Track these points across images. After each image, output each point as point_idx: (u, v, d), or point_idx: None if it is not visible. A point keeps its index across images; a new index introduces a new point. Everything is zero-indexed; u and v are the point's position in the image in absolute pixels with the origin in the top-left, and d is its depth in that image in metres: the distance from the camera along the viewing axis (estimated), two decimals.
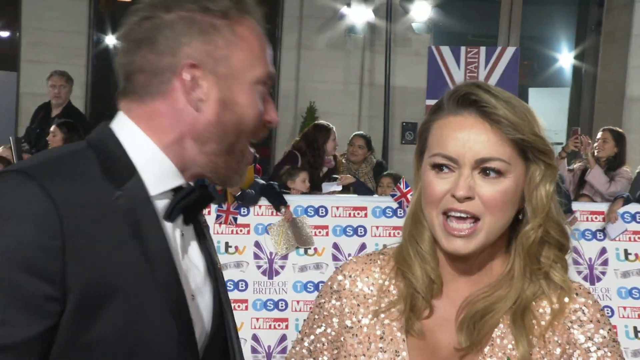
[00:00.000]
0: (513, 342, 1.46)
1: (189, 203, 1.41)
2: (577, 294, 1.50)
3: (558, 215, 1.49)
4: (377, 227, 6.08)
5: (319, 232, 6.14)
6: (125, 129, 1.41)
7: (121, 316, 1.28)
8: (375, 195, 6.44)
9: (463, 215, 1.43)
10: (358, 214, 6.19)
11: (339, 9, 9.48)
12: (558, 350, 1.46)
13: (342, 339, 1.56)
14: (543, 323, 1.48)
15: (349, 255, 6.05)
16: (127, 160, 1.38)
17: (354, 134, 7.93)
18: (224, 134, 1.39)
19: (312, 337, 1.61)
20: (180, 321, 1.35)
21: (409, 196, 5.73)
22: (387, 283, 1.56)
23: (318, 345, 1.60)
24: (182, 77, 1.37)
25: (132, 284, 1.29)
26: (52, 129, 6.87)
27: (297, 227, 6.12)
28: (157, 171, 1.39)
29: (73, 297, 1.25)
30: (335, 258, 6.04)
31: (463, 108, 1.44)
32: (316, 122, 7.86)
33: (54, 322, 1.25)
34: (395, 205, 6.06)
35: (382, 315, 1.53)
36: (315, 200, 6.26)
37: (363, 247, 6.04)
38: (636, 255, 6.08)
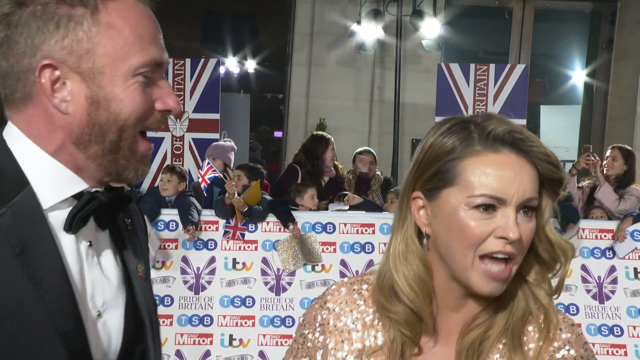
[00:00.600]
0: None
1: (90, 211, 1.31)
2: (561, 329, 1.48)
3: (555, 236, 1.47)
4: (385, 244, 6.03)
5: (327, 248, 6.14)
6: (15, 138, 1.33)
7: (5, 340, 1.21)
8: (384, 212, 6.40)
9: (501, 256, 1.39)
10: (366, 230, 6.18)
11: (349, 26, 9.50)
12: None
13: None
14: (532, 348, 1.47)
15: (357, 271, 6.04)
16: (18, 172, 1.30)
17: (359, 149, 7.88)
18: (101, 134, 1.29)
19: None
20: (73, 346, 1.26)
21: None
22: (371, 318, 1.52)
23: None
24: (41, 79, 1.27)
25: (15, 310, 1.22)
26: None
27: (305, 244, 6.13)
28: (50, 180, 1.31)
29: None
30: (342, 275, 6.03)
31: (503, 145, 1.39)
32: (314, 132, 7.82)
33: None
34: None
35: (369, 354, 1.48)
36: (323, 217, 6.25)
37: (371, 263, 6.02)
38: None
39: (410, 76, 9.31)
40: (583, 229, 6.11)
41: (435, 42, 9.48)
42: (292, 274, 6.04)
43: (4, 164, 1.30)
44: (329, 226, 6.19)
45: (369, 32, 9.35)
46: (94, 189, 1.36)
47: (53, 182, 1.31)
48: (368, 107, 9.79)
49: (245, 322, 5.88)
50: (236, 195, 5.89)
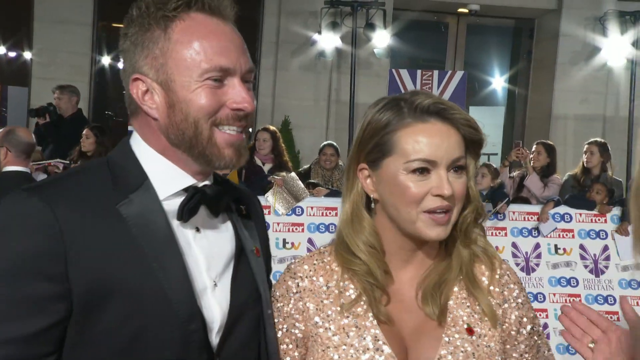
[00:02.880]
0: (467, 310, 1.49)
1: (195, 203, 1.36)
2: (500, 262, 1.57)
3: (474, 190, 1.53)
4: None
5: (296, 229, 6.13)
6: (136, 141, 1.41)
7: (123, 311, 1.26)
8: None
9: (440, 210, 1.44)
10: (330, 213, 6.19)
11: (310, 35, 9.47)
12: (500, 311, 1.51)
13: (312, 335, 1.50)
14: (484, 280, 1.53)
15: None
16: (139, 170, 1.37)
17: (324, 143, 7.88)
18: (181, 132, 1.34)
19: None
20: (185, 311, 1.31)
21: None
22: (341, 277, 1.53)
23: (282, 346, 1.54)
24: (133, 91, 1.35)
25: (133, 283, 1.27)
26: (85, 132, 6.78)
27: (290, 187, 6.11)
28: (163, 175, 1.37)
29: (77, 295, 1.24)
30: (310, 251, 6.02)
31: (429, 115, 1.43)
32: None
33: (59, 317, 1.24)
34: None
35: (348, 308, 1.49)
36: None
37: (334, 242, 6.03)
38: (564, 249, 6.17)
39: (363, 80, 9.31)
40: (513, 212, 6.23)
41: (385, 51, 9.52)
42: None
43: (128, 161, 1.38)
44: (298, 209, 6.18)
45: (328, 41, 9.33)
46: (202, 183, 1.41)
47: (165, 177, 1.38)
48: (326, 106, 9.77)
49: None
50: None
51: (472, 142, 1.48)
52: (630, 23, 9.41)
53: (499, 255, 1.58)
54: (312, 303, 1.52)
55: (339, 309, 1.49)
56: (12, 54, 10.82)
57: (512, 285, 1.54)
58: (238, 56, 1.36)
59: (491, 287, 1.53)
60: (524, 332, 1.54)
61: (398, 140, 1.44)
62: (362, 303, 1.49)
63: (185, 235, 1.38)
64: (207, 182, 1.42)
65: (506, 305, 1.52)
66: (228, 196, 1.47)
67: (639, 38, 9.40)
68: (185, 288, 1.32)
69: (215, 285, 1.40)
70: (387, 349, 1.44)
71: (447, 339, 1.46)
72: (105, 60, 10.41)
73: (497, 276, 1.54)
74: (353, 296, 1.50)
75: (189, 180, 1.39)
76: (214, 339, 1.38)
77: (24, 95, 9.36)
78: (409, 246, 1.51)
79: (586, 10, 9.86)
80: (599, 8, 9.71)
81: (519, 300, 1.54)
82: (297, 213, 6.18)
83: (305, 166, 7.93)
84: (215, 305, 1.39)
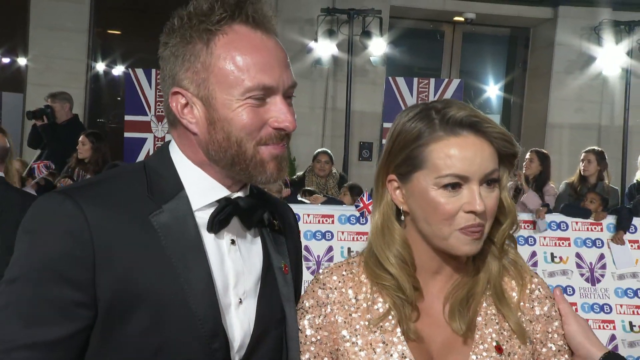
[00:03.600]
0: (495, 327, 1.45)
1: (227, 214, 1.33)
2: (531, 276, 1.52)
3: (507, 200, 1.48)
4: (343, 232, 6.07)
5: None
6: (174, 150, 1.39)
7: (147, 322, 1.25)
8: (343, 205, 6.42)
9: (473, 229, 1.39)
10: (326, 220, 6.17)
11: (307, 43, 9.49)
12: (530, 328, 1.48)
13: (340, 349, 1.46)
14: (514, 295, 1.49)
15: (318, 256, 6.04)
16: (176, 179, 1.35)
17: (317, 150, 7.86)
18: (222, 150, 1.31)
19: (307, 354, 1.49)
20: (209, 329, 1.28)
21: (370, 207, 5.75)
22: (371, 290, 1.49)
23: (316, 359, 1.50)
24: (172, 104, 1.32)
25: (159, 295, 1.25)
26: (81, 138, 6.75)
27: None
28: (198, 186, 1.35)
29: (103, 303, 1.23)
30: (306, 259, 6.02)
31: (461, 128, 1.38)
32: None
33: (84, 325, 1.23)
34: (358, 214, 6.07)
35: (377, 322, 1.46)
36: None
37: (330, 249, 6.03)
38: (560, 258, 6.17)
39: (359, 87, 9.35)
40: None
41: (381, 59, 9.54)
42: None
43: (166, 169, 1.36)
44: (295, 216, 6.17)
45: (324, 49, 9.36)
46: (235, 195, 1.39)
47: (200, 188, 1.35)
48: (322, 113, 9.77)
49: None
50: None
51: (507, 155, 1.43)
52: (625, 32, 9.47)
53: (529, 268, 1.54)
54: (341, 316, 1.48)
55: (367, 323, 1.46)
56: (6, 60, 10.82)
57: (543, 300, 1.51)
58: (281, 73, 1.32)
59: (521, 303, 1.48)
60: (553, 347, 1.49)
61: (429, 154, 1.40)
62: (390, 318, 1.45)
63: (220, 246, 1.36)
64: (240, 194, 1.40)
65: (537, 321, 1.49)
66: (262, 209, 1.43)
67: (634, 47, 9.47)
68: (211, 304, 1.30)
69: (241, 302, 1.37)
70: None
71: (474, 357, 1.42)
72: (101, 66, 10.42)
73: (527, 291, 1.49)
74: (382, 310, 1.46)
75: (223, 192, 1.36)
76: (235, 358, 1.35)
77: (18, 102, 9.33)
78: (438, 258, 1.47)
79: (581, 19, 9.91)
80: (594, 17, 9.77)
81: (551, 315, 1.50)
82: None
83: (299, 173, 7.92)
84: (237, 323, 1.36)
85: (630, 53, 9.52)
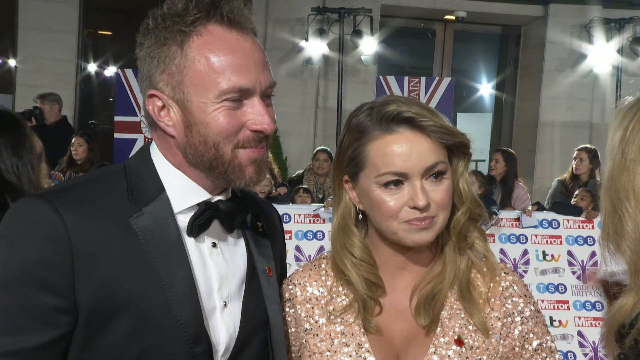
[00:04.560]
0: (460, 321, 1.45)
1: (207, 218, 1.32)
2: (505, 273, 1.51)
3: (473, 192, 1.48)
4: None
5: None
6: (155, 151, 1.37)
7: (129, 328, 1.24)
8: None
9: (417, 223, 1.39)
10: (317, 220, 6.18)
11: (297, 42, 9.48)
12: (499, 324, 1.47)
13: (303, 341, 1.50)
14: (483, 291, 1.48)
15: (310, 256, 6.03)
16: (157, 181, 1.33)
17: (317, 149, 7.84)
18: (199, 153, 1.30)
19: None
20: (192, 333, 1.27)
21: None
22: (335, 284, 1.52)
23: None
24: (149, 107, 1.31)
25: (141, 298, 1.24)
26: (75, 140, 6.75)
27: None
28: (180, 189, 1.33)
29: (83, 309, 1.21)
30: (297, 258, 6.02)
31: (396, 125, 1.38)
32: None
33: (64, 331, 1.22)
34: None
35: (338, 315, 1.48)
36: (280, 208, 6.18)
37: (321, 249, 6.02)
38: (552, 256, 6.19)
39: (350, 87, 9.34)
40: (501, 218, 6.24)
41: (372, 58, 9.56)
42: None
43: (147, 171, 1.34)
44: (285, 216, 6.15)
45: (315, 48, 9.35)
46: (217, 198, 1.37)
47: (181, 191, 1.33)
48: (314, 113, 9.77)
49: None
50: None
51: (455, 145, 1.43)
52: (616, 30, 9.50)
53: (502, 264, 1.53)
54: (304, 311, 1.51)
55: (328, 315, 1.48)
56: None
57: (516, 299, 1.49)
58: (257, 74, 1.29)
59: (492, 299, 1.48)
60: (530, 348, 1.48)
61: (368, 154, 1.41)
62: (352, 311, 1.47)
63: (201, 250, 1.34)
64: (221, 197, 1.38)
65: (509, 319, 1.47)
66: (244, 212, 1.42)
67: (624, 45, 9.50)
68: (194, 308, 1.28)
69: (225, 305, 1.37)
70: (370, 358, 1.43)
71: (433, 349, 1.43)
72: (91, 67, 10.37)
73: (500, 288, 1.49)
74: (345, 303, 1.49)
75: (204, 195, 1.35)
76: None
77: (7, 103, 9.27)
78: (401, 253, 1.48)
79: (572, 17, 9.94)
80: (584, 15, 9.80)
81: (525, 315, 1.48)
82: (284, 220, 6.15)
83: (299, 171, 7.89)
84: (222, 327, 1.35)
85: (620, 50, 9.55)
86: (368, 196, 1.42)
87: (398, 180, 1.38)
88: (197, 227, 1.31)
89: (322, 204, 6.27)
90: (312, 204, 6.40)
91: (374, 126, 1.40)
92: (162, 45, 1.27)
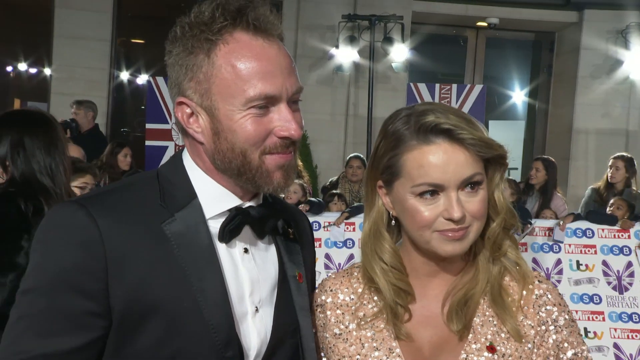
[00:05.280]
0: (492, 328, 1.45)
1: (237, 224, 1.33)
2: (539, 281, 1.50)
3: (500, 199, 1.47)
4: None
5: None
6: (187, 157, 1.39)
7: (161, 331, 1.26)
8: None
9: (451, 234, 1.40)
10: (347, 228, 6.18)
11: (328, 50, 9.52)
12: (532, 332, 1.46)
13: (331, 346, 1.51)
14: (516, 298, 1.48)
15: (339, 264, 6.03)
16: (189, 187, 1.35)
17: (350, 155, 7.80)
18: (226, 160, 1.31)
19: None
20: (223, 338, 1.29)
21: None
22: (366, 291, 1.53)
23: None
24: (178, 114, 1.32)
25: (172, 304, 1.26)
26: (124, 150, 6.90)
27: None
28: (210, 194, 1.35)
29: (116, 313, 1.24)
30: (327, 266, 6.03)
31: (434, 136, 1.38)
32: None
33: (97, 335, 1.24)
34: None
35: (369, 320, 1.49)
36: (310, 216, 6.21)
37: (351, 257, 6.03)
38: (586, 265, 6.11)
39: (381, 94, 9.31)
40: (535, 227, 6.17)
41: (403, 65, 9.54)
42: None
43: (178, 177, 1.36)
44: (315, 224, 6.17)
45: (345, 55, 9.37)
46: (248, 204, 1.38)
47: (212, 197, 1.35)
48: (344, 120, 9.78)
49: None
50: None
51: (491, 157, 1.43)
52: None
53: (536, 272, 1.52)
54: (334, 316, 1.53)
55: (359, 320, 1.50)
56: (32, 71, 11.02)
57: (550, 307, 1.47)
58: (284, 80, 1.30)
59: (525, 307, 1.47)
60: (565, 358, 1.46)
61: (404, 163, 1.41)
62: (383, 317, 1.49)
63: (232, 255, 1.36)
64: (252, 203, 1.40)
65: (543, 327, 1.46)
66: (274, 218, 1.43)
67: None
68: (225, 313, 1.30)
69: (257, 311, 1.38)
70: None
71: (464, 355, 1.43)
72: (124, 75, 10.55)
73: (533, 296, 1.48)
74: (375, 310, 1.50)
75: (235, 201, 1.37)
76: None
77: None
78: (433, 263, 1.49)
79: (608, 23, 9.81)
80: (620, 21, 9.66)
81: (559, 323, 1.47)
82: (314, 228, 6.16)
83: (333, 178, 7.87)
84: (253, 332, 1.36)
85: None
86: (402, 205, 1.43)
87: (434, 191, 1.39)
88: (229, 232, 1.33)
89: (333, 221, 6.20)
90: (335, 213, 6.35)
91: (412, 136, 1.40)
92: (189, 54, 1.29)
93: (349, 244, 6.13)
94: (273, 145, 1.31)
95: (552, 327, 1.46)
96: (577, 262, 6.14)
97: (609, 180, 6.99)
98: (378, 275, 1.48)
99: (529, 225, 6.02)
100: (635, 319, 5.91)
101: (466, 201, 1.39)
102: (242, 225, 1.35)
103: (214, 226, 1.34)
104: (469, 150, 1.38)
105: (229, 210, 1.36)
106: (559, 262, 6.15)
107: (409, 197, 1.41)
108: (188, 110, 1.32)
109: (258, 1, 1.31)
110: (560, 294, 1.52)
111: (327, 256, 6.10)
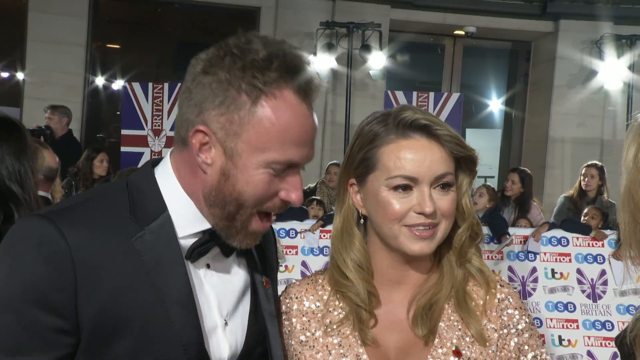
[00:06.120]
0: (457, 333, 1.48)
1: (208, 249, 1.34)
2: (501, 285, 1.54)
3: (468, 207, 1.52)
4: None
5: (290, 251, 6.13)
6: (164, 172, 1.37)
7: (132, 348, 1.25)
8: None
9: (422, 228, 1.43)
10: (324, 236, 6.18)
11: (306, 57, 9.51)
12: (495, 336, 1.49)
13: (297, 353, 1.52)
14: (480, 302, 1.51)
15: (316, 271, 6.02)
16: (160, 201, 1.33)
17: (329, 162, 7.91)
18: (223, 202, 1.29)
19: None
20: (193, 354, 1.29)
21: None
22: (331, 297, 1.54)
23: None
24: (192, 140, 1.29)
25: (144, 318, 1.25)
26: (100, 156, 6.78)
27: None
28: (184, 214, 1.34)
29: (85, 329, 1.22)
30: (303, 274, 6.02)
31: (412, 131, 1.43)
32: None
33: (66, 352, 1.23)
34: None
35: (335, 327, 1.51)
36: (287, 224, 6.23)
37: (328, 265, 6.01)
38: (561, 273, 6.17)
39: (359, 101, 9.36)
40: (511, 235, 6.23)
41: (381, 72, 9.58)
42: None
43: (148, 192, 1.34)
44: (292, 232, 6.18)
45: (323, 62, 9.34)
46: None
47: (185, 216, 1.34)
48: (322, 128, 9.75)
49: None
50: None
51: (464, 159, 1.48)
52: (627, 46, 9.51)
53: (498, 277, 1.56)
54: (299, 323, 1.54)
55: (325, 327, 1.51)
56: (4, 75, 10.88)
57: (511, 311, 1.52)
58: (309, 150, 1.31)
59: (488, 311, 1.51)
60: None
61: (381, 156, 1.45)
62: (349, 324, 1.50)
63: (196, 272, 1.35)
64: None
65: (505, 330, 1.50)
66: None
67: (636, 61, 9.50)
68: (195, 328, 1.30)
69: (226, 324, 1.38)
70: None
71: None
72: (99, 80, 10.46)
73: (496, 300, 1.52)
74: (341, 316, 1.51)
75: (206, 224, 1.35)
76: None
77: (15, 116, 9.33)
78: (399, 265, 1.51)
79: (583, 33, 9.95)
80: (595, 31, 9.81)
81: (520, 327, 1.51)
82: (290, 236, 6.17)
83: (311, 184, 7.92)
84: (224, 345, 1.37)
85: (632, 67, 9.55)
86: (375, 198, 1.46)
87: (407, 185, 1.42)
88: (197, 254, 1.33)
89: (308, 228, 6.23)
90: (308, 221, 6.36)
91: (389, 130, 1.45)
92: (231, 88, 1.26)
93: (325, 252, 6.14)
94: (272, 206, 1.32)
95: (513, 330, 1.50)
96: (552, 270, 6.21)
97: (583, 188, 7.08)
98: (349, 269, 1.50)
99: (507, 237, 6.07)
100: (609, 326, 5.98)
101: (438, 198, 1.43)
102: (211, 247, 1.35)
103: (183, 243, 1.33)
104: (444, 147, 1.43)
105: (202, 232, 1.35)
106: (534, 270, 6.21)
107: (382, 189, 1.44)
108: (205, 140, 1.28)
109: (309, 61, 1.30)
110: (520, 297, 1.57)
111: (304, 264, 6.11)
